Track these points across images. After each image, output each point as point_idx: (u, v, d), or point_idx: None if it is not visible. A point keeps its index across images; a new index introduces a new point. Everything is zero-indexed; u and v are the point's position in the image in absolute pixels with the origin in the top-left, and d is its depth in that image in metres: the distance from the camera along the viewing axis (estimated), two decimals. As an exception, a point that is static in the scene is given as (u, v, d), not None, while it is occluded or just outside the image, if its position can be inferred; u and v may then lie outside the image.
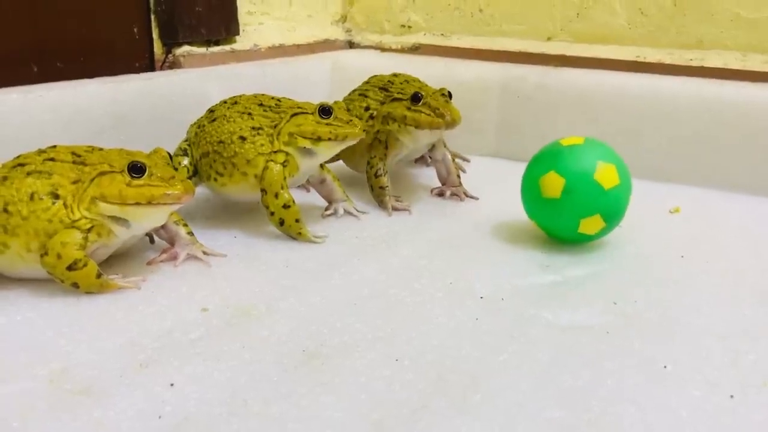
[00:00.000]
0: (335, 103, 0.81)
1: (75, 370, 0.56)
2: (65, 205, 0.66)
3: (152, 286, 0.69)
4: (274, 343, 0.60)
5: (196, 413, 0.51)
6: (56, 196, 0.66)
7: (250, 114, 0.81)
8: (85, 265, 0.66)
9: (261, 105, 0.82)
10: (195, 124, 0.87)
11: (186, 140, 0.86)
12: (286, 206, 0.78)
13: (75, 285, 0.66)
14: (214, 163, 0.81)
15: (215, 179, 0.81)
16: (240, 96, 0.85)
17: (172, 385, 0.54)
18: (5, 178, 0.67)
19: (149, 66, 1.06)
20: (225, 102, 0.85)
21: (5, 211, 0.66)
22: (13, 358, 0.58)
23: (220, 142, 0.80)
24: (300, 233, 0.79)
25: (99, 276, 0.67)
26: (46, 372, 0.56)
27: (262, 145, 0.79)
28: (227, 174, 0.80)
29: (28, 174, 0.67)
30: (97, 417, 0.50)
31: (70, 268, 0.65)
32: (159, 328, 0.62)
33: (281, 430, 0.49)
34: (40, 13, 0.94)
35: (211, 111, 0.85)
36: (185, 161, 0.84)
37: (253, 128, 0.79)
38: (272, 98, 0.84)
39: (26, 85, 0.90)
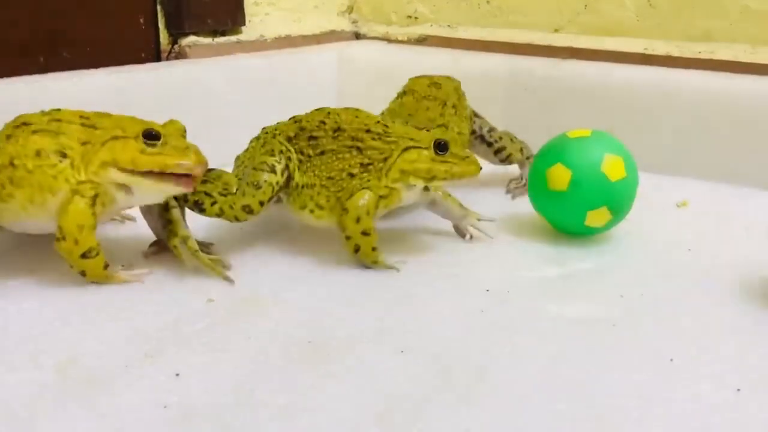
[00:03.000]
0: (447, 131, 0.74)
1: (81, 360, 0.56)
2: (72, 166, 0.65)
3: (158, 277, 0.69)
4: (280, 334, 0.60)
5: (201, 403, 0.51)
6: (63, 155, 0.65)
7: (359, 149, 0.72)
8: (97, 254, 0.66)
9: (368, 131, 0.72)
10: (289, 138, 0.75)
11: (273, 154, 0.74)
12: (365, 233, 0.70)
13: (83, 273, 0.66)
14: (317, 195, 0.73)
15: (312, 210, 0.73)
16: (339, 115, 0.74)
17: (177, 375, 0.54)
18: (9, 137, 0.66)
19: (155, 56, 1.06)
20: (324, 123, 0.73)
21: (11, 164, 0.65)
22: (20, 347, 0.58)
23: (330, 177, 0.72)
24: (376, 262, 0.71)
25: (106, 267, 0.67)
26: (53, 362, 0.56)
27: (368, 180, 0.71)
28: (328, 207, 0.72)
29: (34, 132, 0.66)
30: (102, 406, 0.51)
31: (84, 255, 0.65)
32: (164, 319, 0.62)
33: (287, 421, 0.49)
34: (47, 3, 0.94)
35: (313, 137, 0.74)
36: (271, 178, 0.72)
37: (362, 164, 0.72)
38: (377, 122, 0.73)
39: (32, 75, 0.90)
